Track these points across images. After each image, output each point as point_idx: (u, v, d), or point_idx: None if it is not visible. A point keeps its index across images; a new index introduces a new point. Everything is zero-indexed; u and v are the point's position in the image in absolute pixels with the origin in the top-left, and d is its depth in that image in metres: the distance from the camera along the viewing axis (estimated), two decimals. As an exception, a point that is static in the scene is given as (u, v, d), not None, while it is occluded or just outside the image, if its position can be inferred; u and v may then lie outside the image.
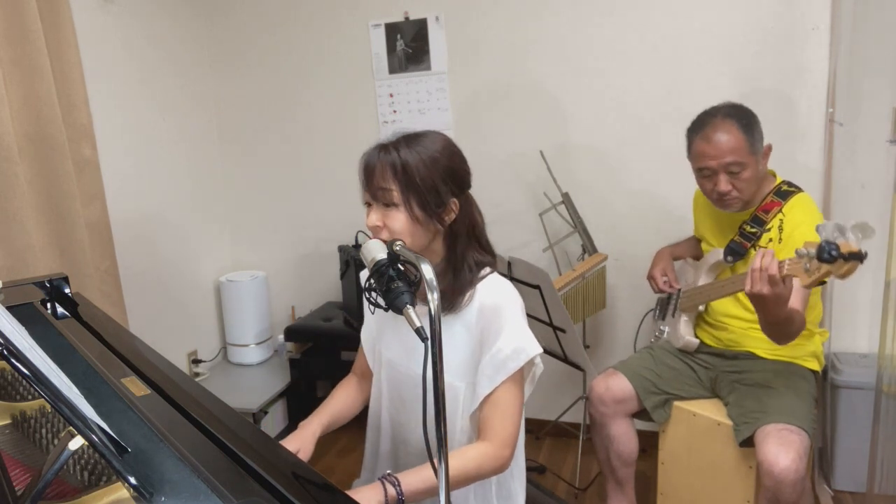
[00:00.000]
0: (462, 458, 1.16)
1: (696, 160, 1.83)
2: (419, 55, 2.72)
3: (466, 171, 1.27)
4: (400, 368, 1.32)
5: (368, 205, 1.23)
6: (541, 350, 1.22)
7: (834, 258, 1.32)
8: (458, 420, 1.26)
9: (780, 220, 1.81)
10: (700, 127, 1.81)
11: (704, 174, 1.82)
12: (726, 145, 1.75)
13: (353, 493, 1.08)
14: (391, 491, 1.10)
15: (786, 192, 1.84)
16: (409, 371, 1.30)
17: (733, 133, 1.75)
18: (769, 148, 1.82)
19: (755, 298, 1.53)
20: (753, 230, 1.84)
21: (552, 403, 2.79)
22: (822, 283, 1.72)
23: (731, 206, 1.84)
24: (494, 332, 1.20)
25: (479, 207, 1.30)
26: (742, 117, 1.77)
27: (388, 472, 1.14)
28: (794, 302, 1.67)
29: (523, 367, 1.21)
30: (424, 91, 2.75)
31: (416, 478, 1.13)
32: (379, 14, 2.74)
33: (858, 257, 1.31)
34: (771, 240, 1.81)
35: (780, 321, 1.59)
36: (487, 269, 1.27)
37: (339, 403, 1.44)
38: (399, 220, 1.18)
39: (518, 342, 1.19)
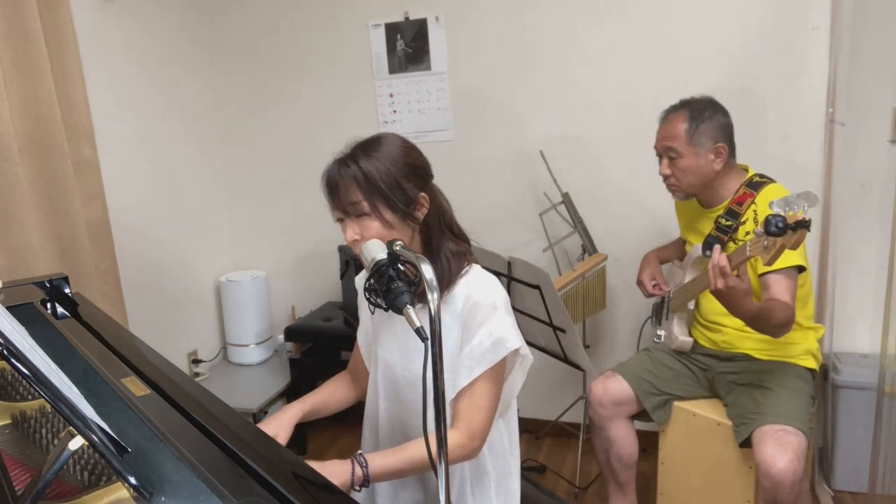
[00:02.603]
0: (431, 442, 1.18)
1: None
2: (419, 55, 2.72)
3: (425, 162, 1.27)
4: (396, 369, 1.32)
5: (341, 220, 1.24)
6: (520, 344, 1.22)
7: (782, 230, 1.39)
8: (448, 411, 1.26)
9: (754, 210, 1.82)
10: (663, 113, 1.94)
11: (657, 155, 1.95)
12: (668, 130, 1.87)
13: (322, 465, 1.12)
14: (358, 471, 1.14)
15: (757, 182, 1.86)
16: (405, 371, 1.30)
17: (678, 121, 1.85)
18: (721, 148, 1.84)
19: (717, 296, 1.60)
20: (729, 223, 1.86)
21: (552, 403, 2.79)
22: (803, 269, 1.75)
23: (674, 193, 1.94)
24: (476, 324, 1.21)
25: (444, 195, 1.31)
26: (695, 110, 1.85)
27: (360, 452, 1.18)
28: (779, 292, 1.70)
29: (505, 360, 1.22)
30: (424, 91, 2.75)
31: (385, 460, 1.18)
32: (379, 14, 2.74)
33: (804, 225, 1.38)
34: (748, 232, 1.82)
35: (751, 315, 1.63)
36: (468, 265, 1.27)
37: (326, 394, 1.46)
38: (373, 228, 1.19)
39: (499, 335, 1.19)
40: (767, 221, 1.40)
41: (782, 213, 1.40)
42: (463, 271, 1.25)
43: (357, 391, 1.51)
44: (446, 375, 1.25)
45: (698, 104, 1.86)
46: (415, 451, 1.19)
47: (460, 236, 1.30)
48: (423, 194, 1.23)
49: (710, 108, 1.85)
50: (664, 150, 1.89)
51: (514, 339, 1.20)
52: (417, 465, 1.19)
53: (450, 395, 1.24)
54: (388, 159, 1.20)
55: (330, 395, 1.47)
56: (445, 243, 1.26)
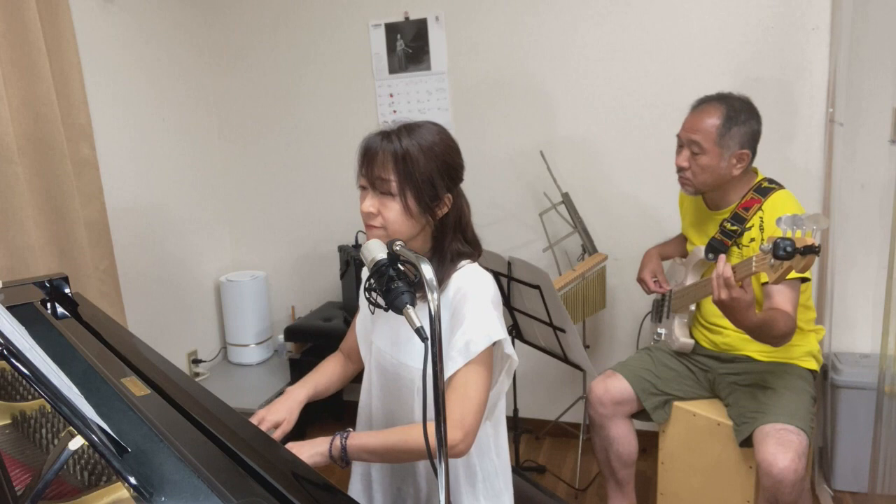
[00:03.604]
0: (409, 432, 1.19)
1: (680, 128, 1.88)
2: (419, 55, 2.72)
3: (461, 164, 1.29)
4: (387, 356, 1.33)
5: (363, 188, 1.24)
6: (504, 335, 1.22)
7: (790, 254, 1.36)
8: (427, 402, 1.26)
9: (761, 217, 1.80)
10: (697, 102, 1.86)
11: (678, 143, 1.88)
12: (698, 123, 1.79)
13: (300, 445, 1.18)
14: (336, 443, 1.18)
15: (766, 188, 1.83)
16: (394, 360, 1.31)
17: (712, 117, 1.77)
18: (745, 155, 1.79)
19: (719, 306, 1.57)
20: (734, 228, 1.84)
21: (552, 403, 2.79)
22: (806, 280, 1.74)
23: (685, 186, 1.88)
24: (462, 315, 1.21)
25: (467, 199, 1.32)
26: (733, 109, 1.77)
27: (349, 428, 1.21)
28: (781, 302, 1.69)
29: (490, 354, 1.21)
30: (424, 91, 2.75)
31: (365, 438, 1.20)
32: (379, 14, 2.74)
33: (814, 251, 1.35)
34: (753, 239, 1.81)
35: (753, 326, 1.61)
36: (467, 261, 1.28)
37: (325, 376, 1.49)
38: (394, 209, 1.20)
39: (483, 326, 1.19)
40: (776, 245, 1.37)
41: (790, 236, 1.37)
42: (459, 265, 1.26)
43: (351, 369, 1.54)
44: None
45: (736, 104, 1.78)
46: (396, 435, 1.20)
47: (472, 242, 1.31)
48: (448, 195, 1.24)
49: (746, 111, 1.78)
50: (688, 142, 1.81)
51: (498, 331, 1.20)
52: (394, 450, 1.19)
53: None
54: (430, 151, 1.21)
55: (329, 376, 1.50)
56: (454, 244, 1.27)
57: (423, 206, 1.21)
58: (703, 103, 1.82)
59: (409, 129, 1.22)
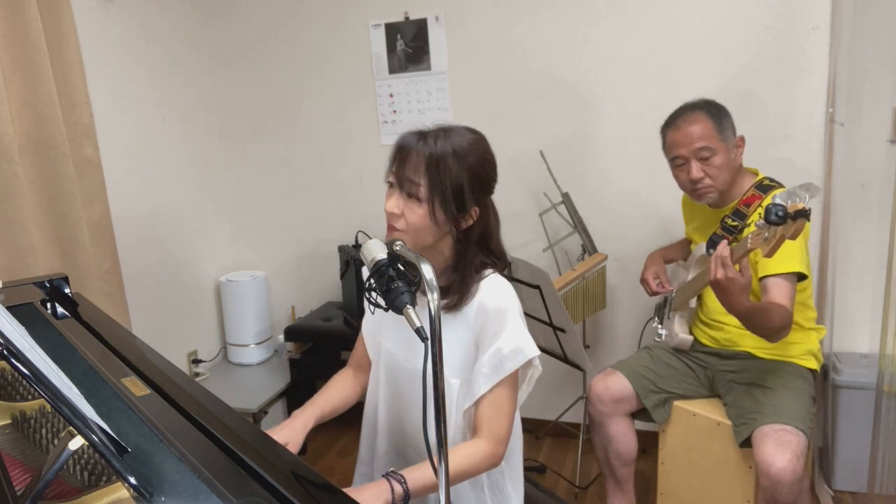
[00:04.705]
0: (458, 455, 1.17)
1: (669, 151, 1.88)
2: (419, 55, 2.72)
3: (494, 177, 1.26)
4: (398, 360, 1.33)
5: (391, 185, 1.22)
6: (538, 352, 1.23)
7: (782, 218, 1.40)
8: (451, 416, 1.26)
9: (760, 214, 1.81)
10: (671, 120, 1.88)
11: (678, 164, 1.87)
12: (695, 132, 1.80)
13: (357, 492, 1.08)
14: (398, 488, 1.11)
15: (767, 186, 1.85)
16: (406, 363, 1.30)
17: (701, 121, 1.81)
18: (742, 139, 1.85)
19: (715, 287, 1.59)
20: (735, 223, 1.85)
21: (552, 403, 2.79)
22: (803, 277, 1.74)
23: (706, 196, 1.86)
24: (493, 332, 1.20)
25: (496, 211, 1.29)
26: (710, 107, 1.83)
27: (392, 469, 1.14)
28: (778, 296, 1.70)
29: (520, 367, 1.22)
30: (424, 91, 2.75)
31: (420, 474, 1.14)
32: (379, 14, 2.74)
33: (804, 214, 1.39)
34: None
35: (746, 312, 1.62)
36: (490, 270, 1.27)
37: (333, 396, 1.45)
38: (418, 214, 1.18)
39: (517, 343, 1.20)
40: (768, 211, 1.41)
41: (783, 204, 1.41)
42: (483, 274, 1.25)
43: (362, 381, 1.49)
44: (459, 379, 1.25)
45: (709, 103, 1.84)
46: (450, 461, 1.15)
47: (497, 253, 1.29)
48: (476, 208, 1.22)
49: (717, 103, 1.85)
50: (695, 153, 1.80)
51: (531, 347, 1.21)
52: (453, 475, 1.16)
53: (465, 404, 1.24)
54: (464, 162, 1.18)
55: (337, 397, 1.45)
56: (479, 258, 1.25)
57: (449, 215, 1.19)
58: (682, 115, 1.85)
59: (446, 132, 1.20)
